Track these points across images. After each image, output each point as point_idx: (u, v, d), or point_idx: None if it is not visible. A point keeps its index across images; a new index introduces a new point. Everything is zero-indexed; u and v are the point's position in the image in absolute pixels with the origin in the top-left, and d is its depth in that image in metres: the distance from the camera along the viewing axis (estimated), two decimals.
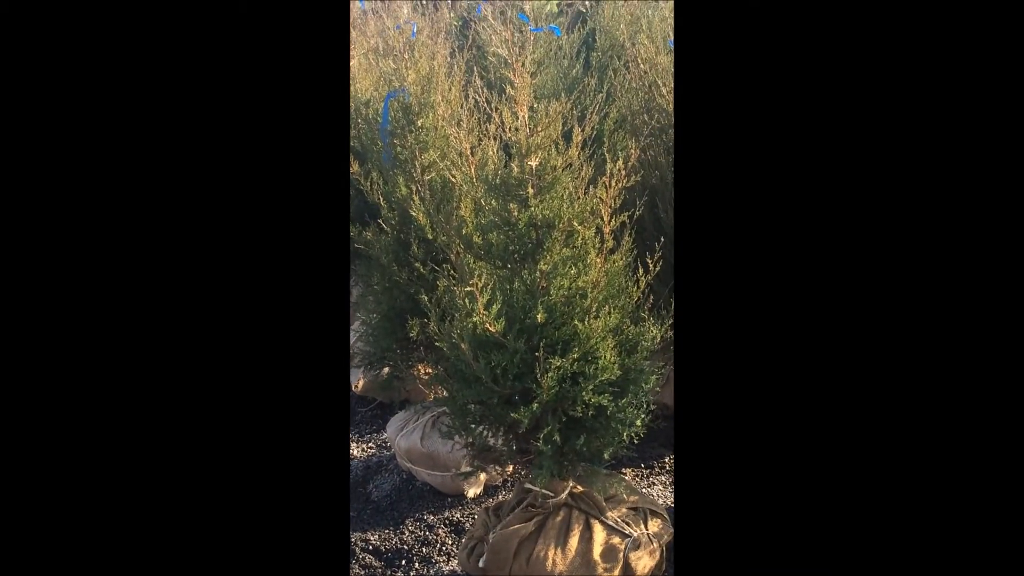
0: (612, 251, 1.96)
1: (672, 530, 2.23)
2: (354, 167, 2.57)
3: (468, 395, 1.97)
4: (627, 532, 2.13)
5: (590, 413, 1.92)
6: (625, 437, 1.96)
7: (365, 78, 2.97)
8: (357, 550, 2.57)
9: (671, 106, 2.58)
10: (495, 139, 1.97)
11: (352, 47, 2.99)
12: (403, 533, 2.64)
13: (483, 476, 2.81)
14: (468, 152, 1.97)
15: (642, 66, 2.79)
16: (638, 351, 1.98)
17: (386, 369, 2.71)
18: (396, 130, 2.49)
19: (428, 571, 2.47)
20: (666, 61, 2.71)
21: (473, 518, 2.67)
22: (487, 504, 2.35)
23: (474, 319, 1.86)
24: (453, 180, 2.15)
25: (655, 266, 1.93)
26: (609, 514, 2.15)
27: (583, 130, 1.91)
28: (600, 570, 2.05)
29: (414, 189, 2.43)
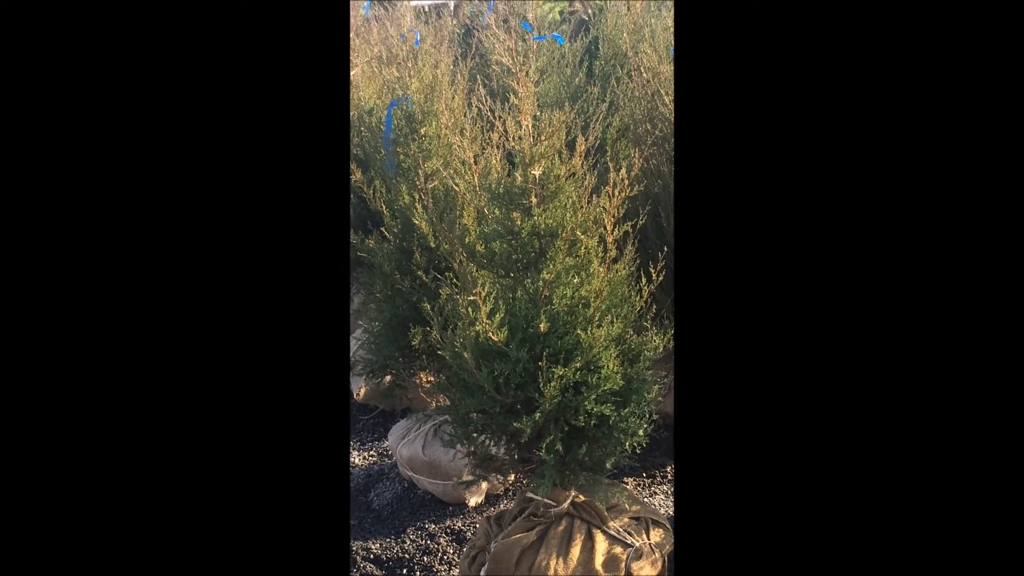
0: (615, 260, 1.95)
1: (674, 540, 2.23)
2: (357, 175, 2.57)
3: (470, 404, 1.97)
4: (629, 542, 2.12)
5: (592, 423, 1.92)
6: (627, 447, 1.96)
7: (369, 86, 2.97)
8: (358, 559, 2.56)
9: (673, 115, 2.59)
10: (498, 148, 1.98)
11: (356, 55, 3.00)
12: (404, 542, 2.64)
13: (485, 485, 2.81)
14: (471, 161, 1.97)
15: (645, 75, 2.79)
16: (641, 360, 1.98)
17: (388, 377, 2.72)
18: (399, 138, 2.50)
19: None
20: (669, 70, 2.72)
21: (474, 527, 2.67)
22: (489, 513, 2.34)
23: (477, 328, 1.86)
24: (456, 188, 2.16)
25: (658, 276, 1.93)
26: (611, 524, 2.14)
27: (587, 140, 1.92)
28: None
29: (417, 197, 2.43)
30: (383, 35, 2.96)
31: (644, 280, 1.95)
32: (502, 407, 1.94)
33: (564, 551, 2.08)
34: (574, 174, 1.91)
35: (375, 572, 2.51)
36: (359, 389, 3.42)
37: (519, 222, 1.90)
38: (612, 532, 2.13)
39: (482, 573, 2.14)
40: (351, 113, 2.96)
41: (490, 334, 1.84)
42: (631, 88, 2.91)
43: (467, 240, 2.06)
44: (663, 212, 2.63)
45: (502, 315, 1.86)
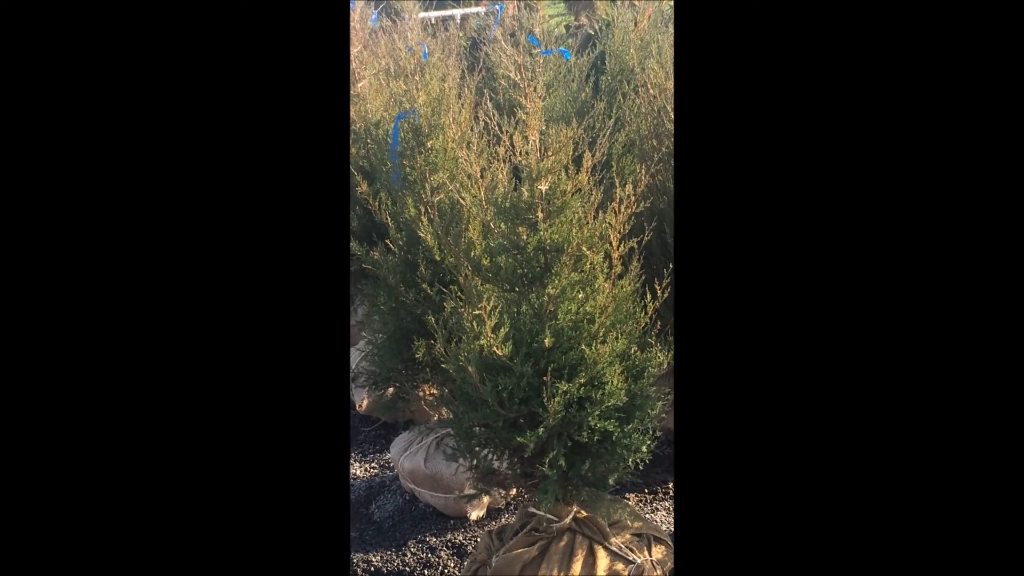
0: (620, 276, 1.96)
1: None
2: (363, 186, 2.58)
3: (473, 418, 1.97)
4: (631, 559, 2.12)
5: (596, 438, 1.92)
6: (631, 463, 1.96)
7: (376, 98, 2.98)
8: (359, 571, 2.56)
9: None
10: (505, 162, 1.98)
11: (363, 67, 3.01)
12: (405, 555, 2.63)
13: (486, 499, 2.81)
14: (478, 174, 1.97)
15: (652, 91, 2.80)
16: (644, 377, 1.98)
17: (391, 389, 2.72)
18: (406, 151, 2.51)
19: None
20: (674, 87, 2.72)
21: (476, 541, 2.66)
22: (490, 527, 2.34)
23: (481, 342, 1.86)
24: (462, 202, 2.16)
25: (663, 292, 1.94)
26: (613, 540, 2.14)
27: (593, 155, 1.93)
28: None
29: (423, 210, 2.44)
30: (391, 47, 2.97)
31: (649, 296, 1.96)
32: (505, 421, 1.94)
33: (566, 567, 2.08)
34: (580, 190, 1.91)
35: None
36: (362, 401, 3.42)
37: (525, 237, 1.90)
38: (614, 548, 2.12)
39: None
40: (358, 125, 2.97)
41: (494, 348, 1.85)
42: (637, 104, 2.93)
43: (472, 254, 2.08)
44: (668, 228, 2.63)
45: (507, 329, 1.87)
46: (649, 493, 2.90)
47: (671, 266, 2.05)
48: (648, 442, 1.95)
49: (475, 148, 2.07)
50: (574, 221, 1.90)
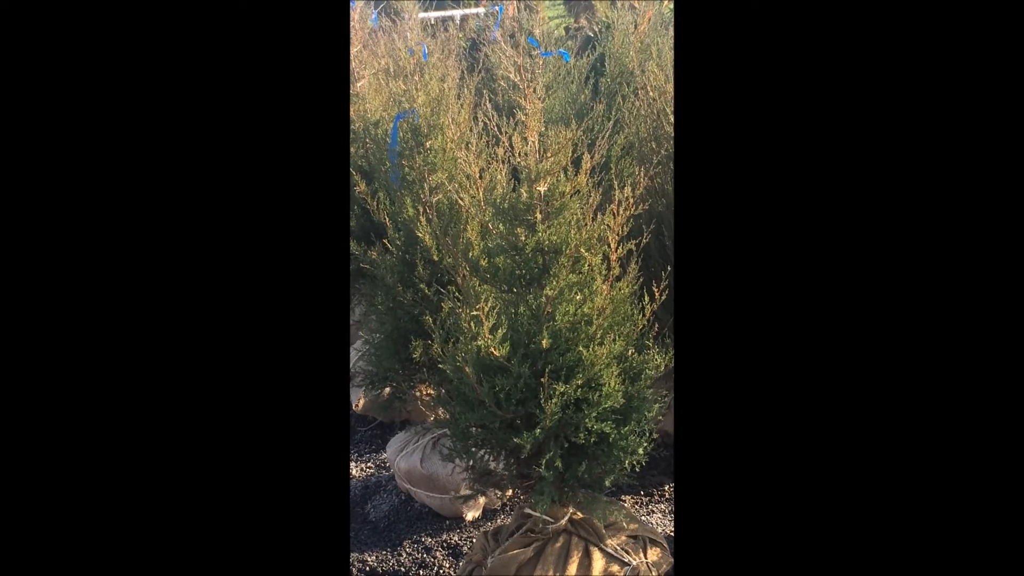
0: (618, 278, 1.97)
1: (671, 559, 2.22)
2: (361, 186, 2.58)
3: (470, 418, 1.97)
4: (626, 560, 2.12)
5: (592, 440, 1.93)
6: (627, 465, 1.96)
7: (375, 98, 2.99)
8: (355, 571, 2.56)
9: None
10: (504, 163, 1.99)
11: (363, 67, 3.02)
12: (400, 555, 2.63)
13: (482, 500, 2.80)
14: (476, 175, 1.98)
15: (651, 94, 2.81)
16: (642, 379, 1.99)
17: (388, 389, 2.72)
18: (405, 151, 2.51)
19: None
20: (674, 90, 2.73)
21: (471, 541, 2.66)
22: (486, 528, 2.33)
23: (479, 342, 1.86)
24: (461, 203, 2.17)
25: (661, 294, 1.94)
26: (608, 541, 2.14)
27: (592, 158, 1.93)
28: None
29: (421, 210, 2.44)
30: (390, 47, 2.98)
31: (647, 299, 1.96)
32: (502, 422, 1.94)
33: (561, 568, 2.08)
34: (579, 191, 1.92)
35: None
36: (358, 400, 3.42)
37: (523, 238, 1.91)
38: (609, 550, 2.12)
39: None
40: (357, 125, 2.97)
41: (492, 349, 1.85)
42: (637, 106, 2.93)
43: (471, 254, 2.07)
44: (666, 231, 2.64)
45: (504, 330, 1.87)
46: (645, 495, 2.90)
47: (669, 269, 2.06)
48: (645, 444, 1.96)
49: (474, 149, 2.08)
50: (572, 223, 1.91)
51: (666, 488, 2.92)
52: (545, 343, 1.88)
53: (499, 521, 2.76)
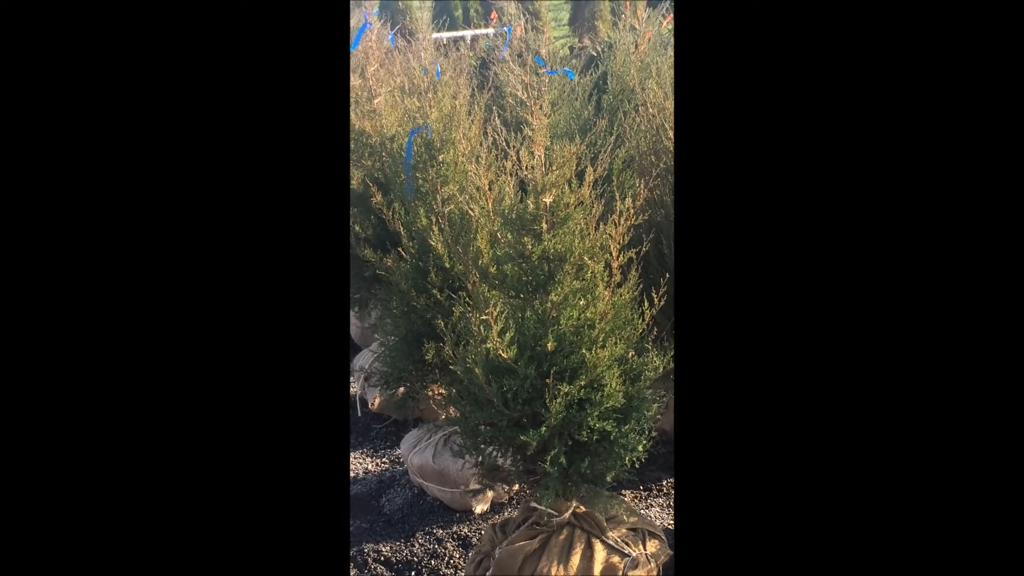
0: (619, 285, 2.00)
1: (669, 551, 2.27)
2: (378, 197, 2.66)
3: (479, 417, 2.02)
4: (626, 551, 2.17)
5: (595, 438, 1.97)
6: (627, 461, 2.00)
7: (391, 114, 3.05)
8: (369, 560, 2.64)
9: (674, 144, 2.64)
10: (512, 176, 2.00)
11: (380, 85, 3.11)
12: (413, 546, 2.71)
13: (490, 494, 2.86)
14: (486, 187, 2.01)
15: (651, 110, 2.88)
16: (641, 380, 2.03)
17: (402, 389, 2.77)
18: (418, 164, 2.56)
19: None
20: (673, 106, 2.80)
21: (480, 533, 2.73)
22: (494, 520, 2.38)
23: (488, 345, 1.91)
24: (471, 213, 2.21)
25: (659, 300, 1.98)
26: (610, 534, 2.19)
27: (595, 171, 1.97)
28: None
29: (434, 220, 2.49)
30: (405, 66, 3.07)
31: (646, 304, 2.01)
32: (509, 421, 2.00)
33: (565, 559, 2.13)
34: (582, 202, 1.96)
35: (385, 574, 2.59)
36: (374, 399, 3.49)
37: (530, 246, 1.95)
38: (610, 542, 2.18)
39: None
40: (374, 139, 3.05)
41: (500, 351, 1.90)
42: (637, 122, 2.99)
43: (480, 262, 2.12)
44: (665, 240, 2.69)
45: (512, 334, 1.93)
46: (644, 490, 2.95)
47: (667, 276, 2.10)
48: (644, 442, 1.99)
49: (484, 162, 2.11)
50: (576, 232, 1.96)
51: (664, 483, 2.98)
52: (550, 346, 1.93)
53: (506, 514, 2.82)
